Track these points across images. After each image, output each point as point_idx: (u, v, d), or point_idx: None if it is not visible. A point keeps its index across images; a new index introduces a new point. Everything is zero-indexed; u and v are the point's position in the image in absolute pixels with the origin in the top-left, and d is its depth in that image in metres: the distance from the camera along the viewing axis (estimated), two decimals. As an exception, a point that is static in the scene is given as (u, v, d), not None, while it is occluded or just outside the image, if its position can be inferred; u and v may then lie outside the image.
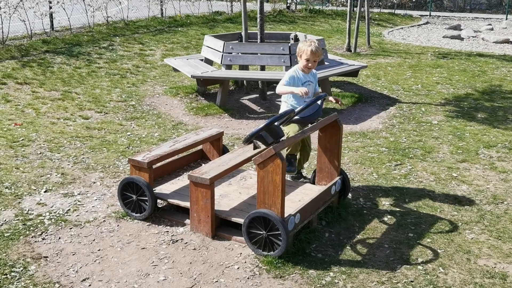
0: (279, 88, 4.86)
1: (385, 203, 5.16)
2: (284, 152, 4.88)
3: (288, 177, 5.29)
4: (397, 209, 5.04)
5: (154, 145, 6.58)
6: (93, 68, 10.55)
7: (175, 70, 9.19)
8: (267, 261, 4.08)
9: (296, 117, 4.66)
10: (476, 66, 11.69)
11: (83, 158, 6.15)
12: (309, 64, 4.86)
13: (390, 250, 4.32)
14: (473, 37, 16.80)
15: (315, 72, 5.10)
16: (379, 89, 9.60)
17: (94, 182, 5.52)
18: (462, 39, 16.41)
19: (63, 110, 7.95)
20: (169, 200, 4.70)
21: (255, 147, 4.61)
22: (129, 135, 6.98)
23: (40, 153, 6.25)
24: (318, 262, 4.13)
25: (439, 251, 4.31)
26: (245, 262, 4.11)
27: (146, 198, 4.63)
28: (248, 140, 4.14)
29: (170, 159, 5.23)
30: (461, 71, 11.11)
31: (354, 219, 4.83)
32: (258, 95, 9.08)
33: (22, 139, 6.66)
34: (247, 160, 4.72)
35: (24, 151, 6.31)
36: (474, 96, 9.17)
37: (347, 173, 5.77)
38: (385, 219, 4.85)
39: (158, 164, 5.04)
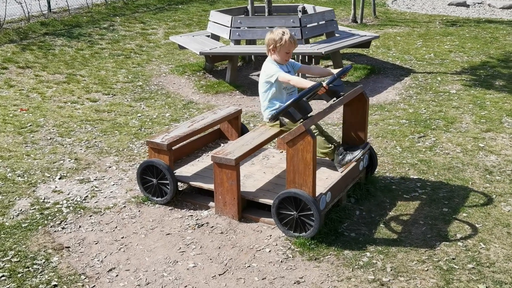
0: (293, 79, 4.25)
1: (413, 177, 4.96)
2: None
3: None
4: (427, 183, 4.84)
5: (166, 126, 6.36)
6: (95, 49, 10.27)
7: (181, 47, 8.93)
8: (300, 242, 3.90)
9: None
10: (487, 32, 11.40)
11: (95, 142, 5.94)
12: (288, 57, 4.43)
13: (426, 226, 4.14)
14: (478, 3, 16.43)
15: (292, 61, 4.62)
16: (391, 60, 9.34)
17: (110, 167, 5.31)
18: (467, 6, 16.04)
19: (70, 94, 7.71)
20: (191, 182, 4.50)
21: (281, 124, 4.39)
22: (140, 116, 6.75)
23: (50, 139, 6.04)
24: (352, 241, 3.95)
25: (477, 225, 4.12)
26: (276, 245, 3.93)
27: (167, 182, 4.43)
28: (276, 117, 3.92)
29: (188, 140, 5.01)
30: (472, 38, 10.83)
31: (383, 195, 4.64)
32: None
33: (30, 125, 6.44)
34: (271, 138, 4.51)
35: (33, 137, 6.09)
36: (489, 64, 8.91)
37: (371, 148, 5.57)
38: (416, 194, 4.65)
39: (177, 146, 4.82)
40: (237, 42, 8.20)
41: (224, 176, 4.17)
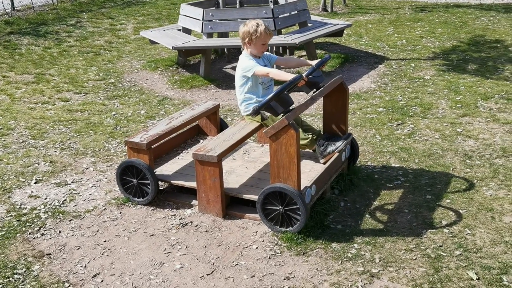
0: (272, 72, 4.18)
1: (394, 165, 4.96)
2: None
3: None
4: (409, 170, 4.85)
5: (142, 123, 6.24)
6: (64, 47, 10.02)
7: (152, 42, 8.77)
8: (287, 237, 3.86)
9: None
10: (456, 17, 11.51)
11: (70, 143, 5.79)
12: (264, 48, 4.36)
13: (411, 214, 4.13)
14: (445, -12, 16.55)
15: (268, 53, 4.57)
16: (363, 48, 9.34)
17: (87, 168, 5.18)
18: (435, -9, 16.14)
19: (40, 94, 7.50)
20: (172, 181, 4.41)
21: (262, 118, 4.33)
22: (114, 114, 6.61)
23: (23, 142, 5.86)
24: (339, 234, 3.92)
25: (461, 211, 4.14)
26: (263, 241, 3.88)
27: (148, 182, 4.33)
28: (257, 112, 3.85)
29: (167, 138, 4.91)
30: (442, 23, 10.92)
31: (366, 185, 4.63)
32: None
33: (1, 128, 6.24)
34: (252, 132, 4.45)
35: (4, 140, 5.90)
36: (460, 48, 8.99)
37: (350, 137, 5.56)
38: (399, 182, 4.65)
39: (156, 144, 4.72)
40: (210, 35, 8.09)
41: (206, 174, 4.10)
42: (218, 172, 4.05)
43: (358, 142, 5.45)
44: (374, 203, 4.34)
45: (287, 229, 3.90)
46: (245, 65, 4.32)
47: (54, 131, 6.14)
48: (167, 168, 4.61)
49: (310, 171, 4.40)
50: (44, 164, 5.29)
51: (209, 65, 7.99)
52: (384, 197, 4.41)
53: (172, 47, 7.60)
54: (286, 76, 4.04)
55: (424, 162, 4.98)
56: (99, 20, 12.16)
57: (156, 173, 4.48)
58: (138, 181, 4.38)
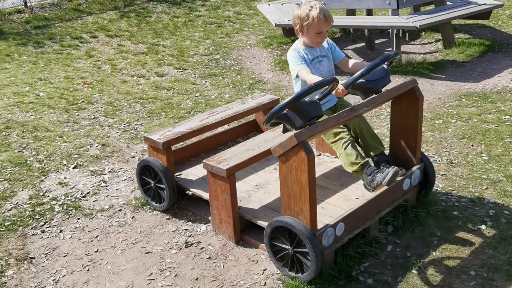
0: (307, 77, 3.25)
1: (488, 200, 3.73)
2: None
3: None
4: (505, 211, 3.60)
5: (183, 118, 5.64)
6: (191, 17, 9.79)
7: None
8: (293, 285, 3.01)
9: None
10: None
11: (136, 124, 5.42)
12: (321, 38, 3.38)
13: (477, 280, 2.99)
14: None
15: (335, 47, 3.59)
16: (521, 34, 7.63)
17: (133, 156, 4.75)
18: None
19: (141, 66, 7.29)
20: (191, 189, 3.76)
21: (285, 130, 3.43)
22: (197, 96, 6.10)
23: (94, 118, 5.63)
24: (364, 292, 2.97)
25: (553, 289, 2.89)
26: (265, 285, 3.08)
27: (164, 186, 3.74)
28: (269, 121, 2.99)
29: (211, 133, 4.27)
30: None
31: (436, 224, 3.51)
32: (364, 44, 7.67)
33: (82, 101, 6.10)
34: (289, 142, 3.58)
35: (78, 115, 5.73)
36: None
37: (446, 152, 4.38)
38: (482, 226, 3.46)
39: (179, 144, 4.09)
40: (324, 12, 7.13)
41: (218, 188, 3.38)
42: (229, 188, 3.30)
43: (454, 161, 4.27)
44: (433, 253, 3.24)
45: (296, 275, 3.05)
46: (290, 61, 3.45)
47: (129, 109, 5.83)
48: (194, 172, 3.96)
49: (358, 199, 3.43)
50: (96, 146, 4.98)
51: (319, 46, 7.07)
52: (451, 247, 3.29)
53: (275, 24, 6.83)
54: (319, 80, 3.08)
55: (532, 202, 3.68)
56: (241, -11, 11.75)
57: (180, 176, 3.87)
58: (155, 184, 3.81)
